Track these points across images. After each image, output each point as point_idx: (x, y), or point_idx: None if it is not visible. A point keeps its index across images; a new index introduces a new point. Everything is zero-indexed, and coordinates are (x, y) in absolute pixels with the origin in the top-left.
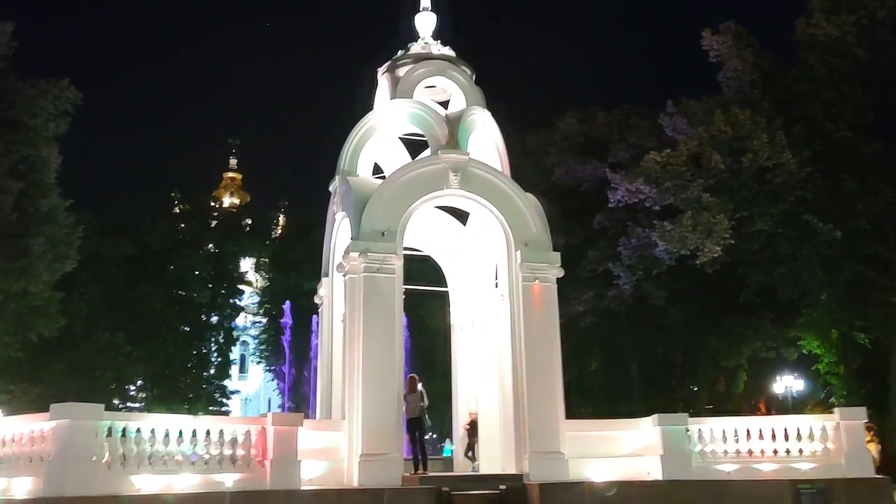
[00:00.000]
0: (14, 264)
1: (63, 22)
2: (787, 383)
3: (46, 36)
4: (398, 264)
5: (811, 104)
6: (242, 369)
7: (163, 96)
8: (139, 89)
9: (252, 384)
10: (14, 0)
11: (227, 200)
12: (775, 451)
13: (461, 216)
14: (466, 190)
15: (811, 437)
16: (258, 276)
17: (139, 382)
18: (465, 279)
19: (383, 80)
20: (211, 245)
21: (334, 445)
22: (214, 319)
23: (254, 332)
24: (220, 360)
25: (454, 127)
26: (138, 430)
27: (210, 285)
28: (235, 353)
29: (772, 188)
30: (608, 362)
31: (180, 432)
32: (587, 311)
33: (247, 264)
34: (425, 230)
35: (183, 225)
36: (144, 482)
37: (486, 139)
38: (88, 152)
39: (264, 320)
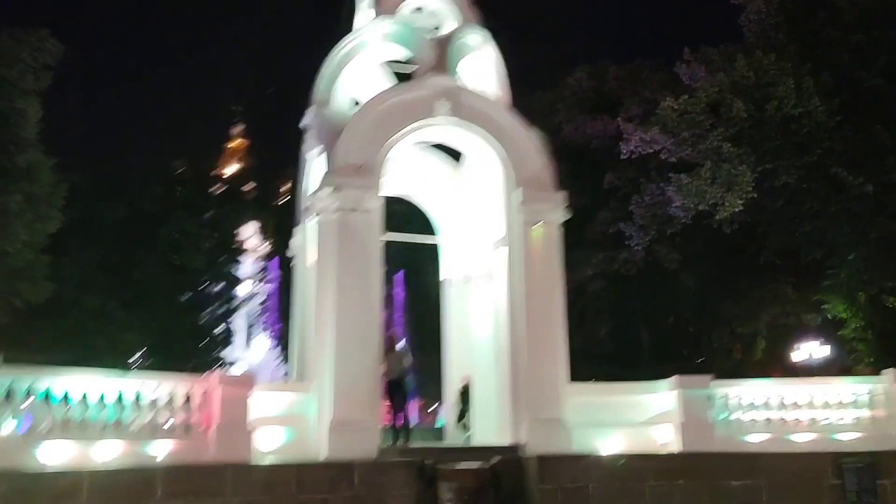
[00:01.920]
0: None
1: None
2: (810, 350)
3: None
4: (377, 205)
5: (841, 49)
6: (248, 340)
7: (161, 55)
8: (135, 47)
9: (257, 355)
10: None
11: (231, 168)
12: (813, 420)
13: (453, 157)
14: (457, 119)
15: (856, 403)
16: (261, 243)
17: (137, 353)
18: (458, 229)
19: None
20: (210, 212)
21: (300, 412)
22: (215, 289)
23: (259, 302)
24: (219, 329)
25: (443, 49)
26: (48, 392)
27: (207, 252)
28: (241, 326)
29: (798, 139)
30: (618, 329)
31: (102, 396)
32: (596, 275)
33: (249, 231)
34: (411, 172)
35: (179, 189)
36: (51, 454)
37: (483, 66)
38: (82, 111)
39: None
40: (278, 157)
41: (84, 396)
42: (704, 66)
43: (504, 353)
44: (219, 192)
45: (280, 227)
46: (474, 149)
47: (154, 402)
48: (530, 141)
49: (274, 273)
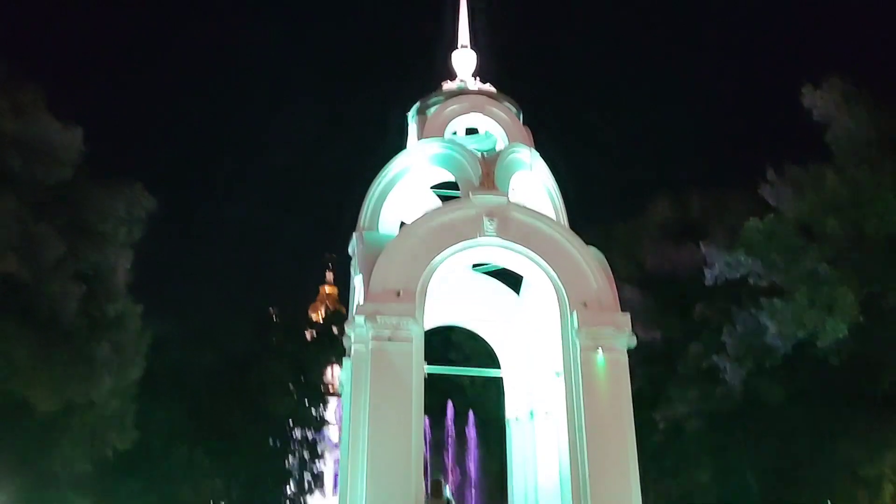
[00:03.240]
0: (76, 370)
1: (143, 126)
2: None
3: (120, 139)
4: (417, 332)
5: None
6: (336, 485)
7: (250, 203)
8: (225, 198)
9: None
10: (87, 102)
11: (321, 313)
12: None
13: (516, 284)
14: (505, 238)
15: None
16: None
17: (222, 502)
18: (521, 361)
19: (412, 126)
20: (294, 354)
21: None
22: (298, 433)
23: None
24: (303, 475)
25: (491, 167)
26: None
27: (294, 396)
28: (328, 469)
29: None
30: (721, 474)
31: None
32: (692, 412)
33: (336, 373)
34: (471, 300)
35: (269, 335)
36: None
37: (534, 183)
38: (173, 257)
39: None
40: None
41: None
42: (790, 186)
43: (567, 498)
44: (308, 336)
45: None
46: (527, 269)
47: None
48: (587, 259)
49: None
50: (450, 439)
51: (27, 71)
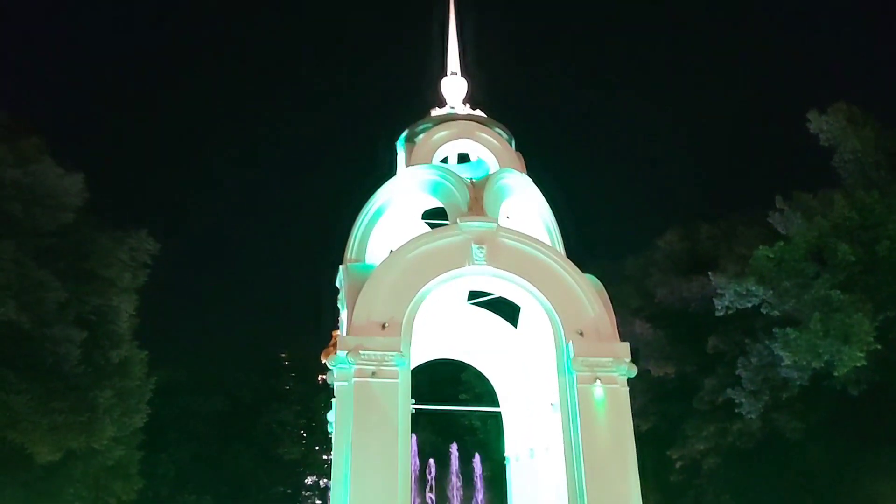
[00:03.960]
0: (77, 418)
1: (148, 172)
2: None
3: (125, 185)
4: (403, 367)
5: None
6: None
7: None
8: (228, 240)
9: None
10: (89, 150)
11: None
12: None
13: (514, 315)
14: (495, 266)
15: None
16: None
17: None
18: (519, 396)
19: (401, 154)
20: (306, 399)
21: None
22: (309, 480)
23: None
24: None
25: (479, 192)
26: None
27: (303, 441)
28: None
29: None
30: None
31: None
32: (709, 449)
33: None
34: (467, 333)
35: (278, 380)
36: None
37: (527, 210)
38: (177, 304)
39: None
40: None
41: None
42: (800, 212)
43: None
44: (320, 381)
45: None
46: (520, 298)
47: None
48: (583, 286)
49: None
50: (455, 481)
51: (29, 119)
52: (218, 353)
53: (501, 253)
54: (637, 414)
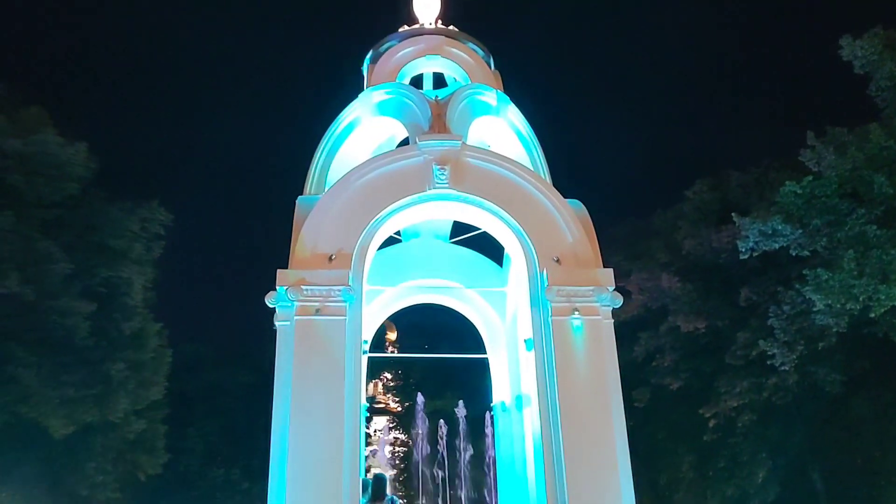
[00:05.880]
0: (89, 391)
1: (163, 143)
2: None
3: (138, 157)
4: (353, 304)
5: None
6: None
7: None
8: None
9: None
10: (99, 121)
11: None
12: None
13: (498, 254)
14: (460, 190)
15: None
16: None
17: None
18: (505, 341)
19: (366, 78)
20: None
21: None
22: None
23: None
24: None
25: (443, 108)
26: None
27: None
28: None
29: None
30: (781, 471)
31: None
32: (743, 406)
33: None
34: (444, 274)
35: None
36: None
37: (501, 132)
38: (195, 277)
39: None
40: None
41: None
42: (832, 147)
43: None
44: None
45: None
46: (491, 226)
47: None
48: (560, 209)
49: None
50: (462, 443)
51: (31, 89)
52: (241, 326)
53: (467, 174)
54: (667, 372)
